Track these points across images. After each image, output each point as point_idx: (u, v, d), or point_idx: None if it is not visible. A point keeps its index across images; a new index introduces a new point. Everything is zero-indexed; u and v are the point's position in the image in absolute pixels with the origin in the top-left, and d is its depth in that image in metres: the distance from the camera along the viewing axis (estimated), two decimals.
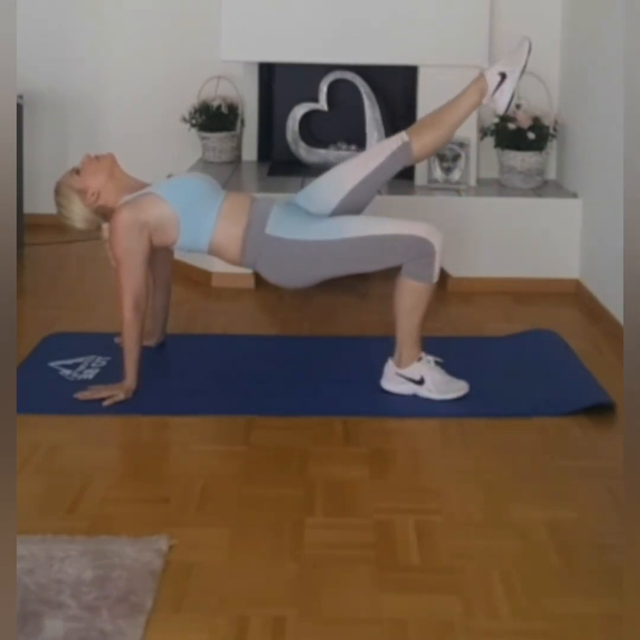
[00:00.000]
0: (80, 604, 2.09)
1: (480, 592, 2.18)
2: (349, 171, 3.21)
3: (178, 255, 4.07)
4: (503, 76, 3.18)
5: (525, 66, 3.20)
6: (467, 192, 4.53)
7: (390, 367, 3.23)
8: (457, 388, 3.19)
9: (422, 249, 3.08)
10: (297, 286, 3.32)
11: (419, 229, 3.10)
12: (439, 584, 2.21)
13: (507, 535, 2.41)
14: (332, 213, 3.19)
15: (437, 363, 3.23)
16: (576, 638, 2.03)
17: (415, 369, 3.18)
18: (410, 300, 3.14)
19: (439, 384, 3.17)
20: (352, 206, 3.20)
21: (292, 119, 4.94)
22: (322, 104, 4.93)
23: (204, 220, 3.15)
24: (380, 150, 3.24)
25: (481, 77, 3.22)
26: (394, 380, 3.21)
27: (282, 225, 3.13)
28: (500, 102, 3.20)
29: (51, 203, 3.28)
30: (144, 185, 3.26)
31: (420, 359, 3.19)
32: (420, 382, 3.18)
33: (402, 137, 3.20)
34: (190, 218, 3.14)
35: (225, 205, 3.17)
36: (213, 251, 3.22)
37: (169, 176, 3.39)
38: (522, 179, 4.57)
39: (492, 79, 3.19)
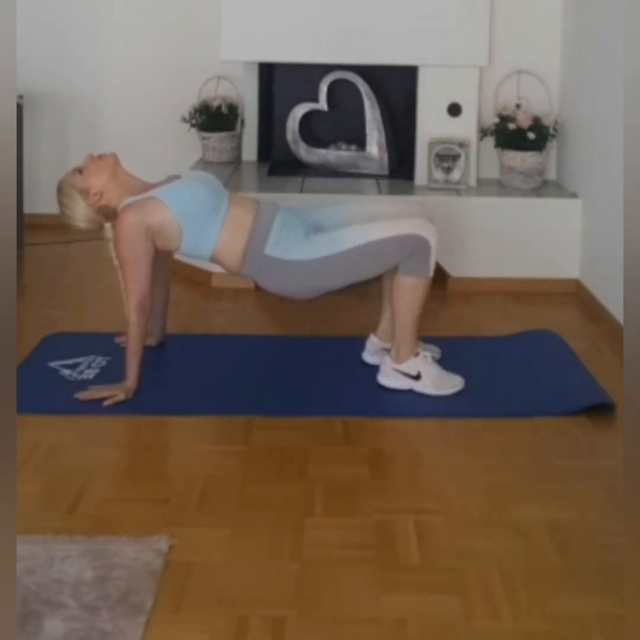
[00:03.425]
0: (80, 604, 2.09)
1: (480, 592, 2.18)
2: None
3: (178, 255, 4.07)
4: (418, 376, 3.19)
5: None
6: (467, 192, 4.53)
7: (386, 362, 3.24)
8: (453, 383, 3.21)
9: (417, 245, 3.11)
10: (297, 299, 3.33)
11: (413, 226, 3.12)
12: (439, 584, 2.21)
13: (507, 535, 2.41)
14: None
15: (433, 359, 3.25)
16: (576, 638, 2.03)
17: (412, 364, 3.20)
18: (408, 297, 3.16)
19: (435, 379, 3.19)
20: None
21: (292, 119, 4.94)
22: (322, 104, 4.93)
23: (206, 233, 3.15)
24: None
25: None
26: (391, 375, 3.22)
27: (281, 245, 3.13)
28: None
29: (51, 203, 3.28)
30: (146, 185, 3.25)
31: (417, 354, 3.20)
32: (417, 377, 3.19)
33: None
34: (193, 229, 3.15)
35: (229, 218, 3.17)
36: (214, 261, 3.26)
37: (176, 176, 3.36)
38: (522, 179, 4.57)
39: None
